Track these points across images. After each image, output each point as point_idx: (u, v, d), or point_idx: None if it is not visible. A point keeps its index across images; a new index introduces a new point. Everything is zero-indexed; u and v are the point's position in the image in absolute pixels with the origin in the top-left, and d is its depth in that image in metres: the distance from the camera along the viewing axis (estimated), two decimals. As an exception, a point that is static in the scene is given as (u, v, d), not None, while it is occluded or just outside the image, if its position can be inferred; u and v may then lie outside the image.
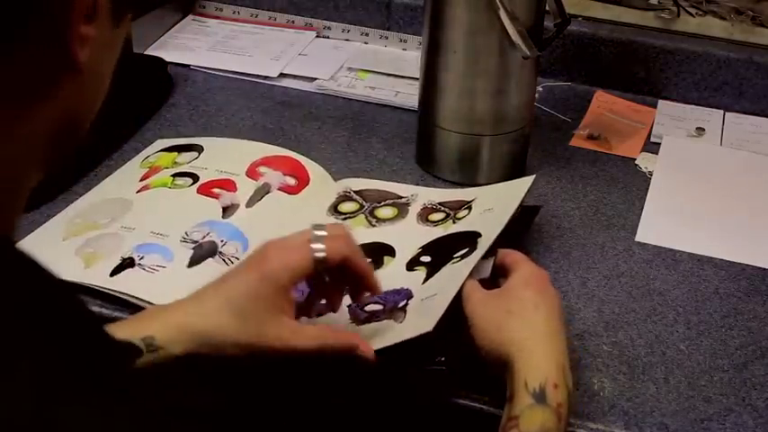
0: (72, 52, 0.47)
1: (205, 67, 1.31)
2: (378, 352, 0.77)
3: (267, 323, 0.74)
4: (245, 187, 1.01)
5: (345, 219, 0.99)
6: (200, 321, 0.74)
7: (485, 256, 0.85)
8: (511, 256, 0.84)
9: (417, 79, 1.10)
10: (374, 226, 0.98)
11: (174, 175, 1.04)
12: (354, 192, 1.03)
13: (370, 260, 0.85)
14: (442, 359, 0.75)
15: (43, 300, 0.46)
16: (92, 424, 0.42)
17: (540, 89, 1.28)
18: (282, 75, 1.30)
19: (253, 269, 0.75)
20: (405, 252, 0.93)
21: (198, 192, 1.01)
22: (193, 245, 0.93)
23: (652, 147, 1.18)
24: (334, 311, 0.82)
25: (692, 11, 1.32)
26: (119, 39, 0.52)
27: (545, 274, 0.82)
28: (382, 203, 1.01)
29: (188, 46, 1.36)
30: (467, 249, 0.88)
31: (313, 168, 1.06)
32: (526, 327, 0.77)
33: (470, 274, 0.83)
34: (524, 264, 0.82)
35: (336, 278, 0.79)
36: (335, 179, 1.06)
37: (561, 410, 0.72)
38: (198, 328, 0.74)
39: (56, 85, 0.48)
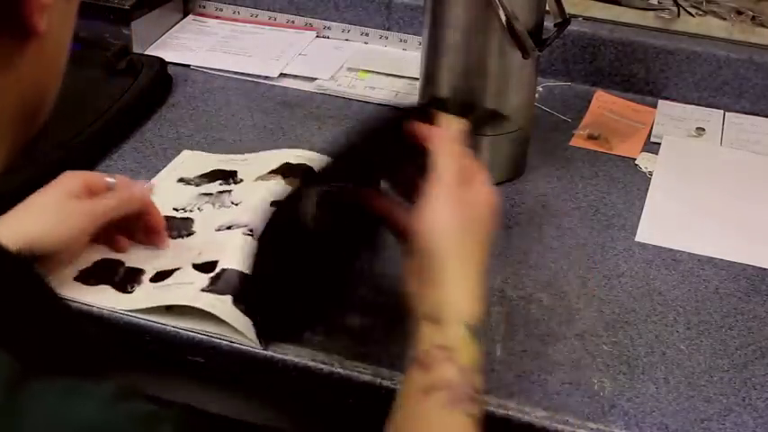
0: (31, 21, 0.47)
1: (205, 67, 1.31)
2: None
3: (74, 215, 0.84)
4: None
5: None
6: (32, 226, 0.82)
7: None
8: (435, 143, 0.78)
9: (417, 79, 1.10)
10: None
11: None
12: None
13: None
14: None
15: (15, 287, 0.46)
16: (58, 411, 0.43)
17: (540, 89, 1.28)
18: (282, 75, 1.30)
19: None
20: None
21: None
22: None
23: (652, 147, 1.18)
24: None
25: (692, 11, 1.32)
26: (74, 7, 0.53)
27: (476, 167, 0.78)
28: None
29: (188, 46, 1.36)
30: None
31: None
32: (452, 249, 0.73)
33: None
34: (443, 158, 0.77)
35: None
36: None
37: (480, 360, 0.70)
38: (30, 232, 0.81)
39: (18, 56, 0.49)
